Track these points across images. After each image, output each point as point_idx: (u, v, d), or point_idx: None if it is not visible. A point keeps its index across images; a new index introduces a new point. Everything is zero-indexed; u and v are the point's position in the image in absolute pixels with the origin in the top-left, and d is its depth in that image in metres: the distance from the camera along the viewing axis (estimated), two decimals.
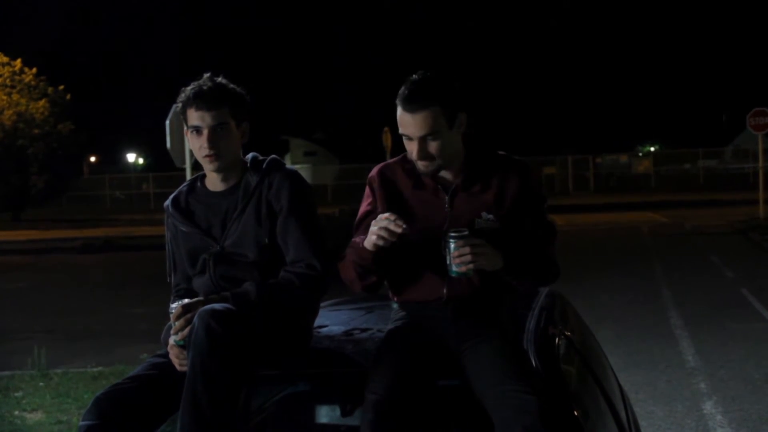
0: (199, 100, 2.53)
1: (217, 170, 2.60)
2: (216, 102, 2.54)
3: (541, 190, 2.63)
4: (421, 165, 2.50)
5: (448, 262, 2.39)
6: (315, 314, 2.67)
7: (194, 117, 2.55)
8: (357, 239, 2.52)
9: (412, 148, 2.49)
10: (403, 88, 2.48)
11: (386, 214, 2.37)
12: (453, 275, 2.41)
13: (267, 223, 2.54)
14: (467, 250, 2.35)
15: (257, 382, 2.51)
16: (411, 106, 2.44)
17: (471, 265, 2.37)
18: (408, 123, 2.46)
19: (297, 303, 2.50)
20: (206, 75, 2.61)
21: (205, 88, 2.55)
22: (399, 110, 2.48)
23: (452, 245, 2.37)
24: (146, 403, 2.36)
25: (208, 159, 2.56)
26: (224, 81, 2.61)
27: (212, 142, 2.53)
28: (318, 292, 2.55)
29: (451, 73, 2.56)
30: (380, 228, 2.35)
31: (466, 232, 2.38)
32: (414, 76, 2.50)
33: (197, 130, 2.56)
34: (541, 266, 2.56)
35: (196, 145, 2.58)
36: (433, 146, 2.46)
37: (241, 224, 2.56)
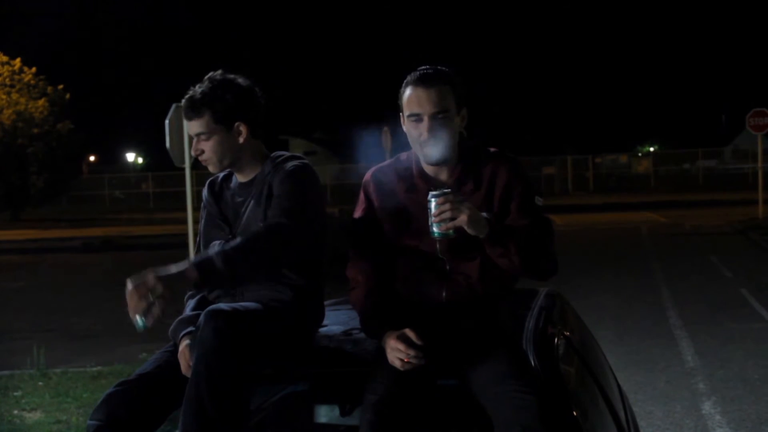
0: (185, 109, 2.59)
1: (215, 171, 2.66)
2: (195, 111, 2.56)
3: (531, 184, 2.57)
4: (427, 151, 2.46)
5: (430, 223, 2.35)
6: (320, 317, 2.65)
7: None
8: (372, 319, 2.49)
9: (421, 130, 2.45)
10: (413, 73, 2.50)
11: (401, 347, 2.31)
12: (435, 236, 2.36)
13: (265, 204, 2.52)
14: (447, 206, 2.31)
15: (257, 381, 2.51)
16: (426, 82, 2.45)
17: (451, 224, 2.33)
18: (420, 99, 2.44)
19: (265, 256, 2.38)
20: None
21: (190, 95, 2.58)
22: (409, 90, 2.48)
23: (433, 204, 2.33)
24: (154, 401, 2.37)
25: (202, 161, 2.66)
26: (208, 87, 2.55)
27: (196, 149, 2.61)
28: (286, 238, 2.39)
29: (456, 70, 2.57)
30: (398, 359, 2.32)
31: (447, 190, 2.35)
32: (422, 67, 2.53)
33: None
34: (533, 248, 2.46)
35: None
36: (442, 127, 2.45)
37: (248, 213, 2.56)
